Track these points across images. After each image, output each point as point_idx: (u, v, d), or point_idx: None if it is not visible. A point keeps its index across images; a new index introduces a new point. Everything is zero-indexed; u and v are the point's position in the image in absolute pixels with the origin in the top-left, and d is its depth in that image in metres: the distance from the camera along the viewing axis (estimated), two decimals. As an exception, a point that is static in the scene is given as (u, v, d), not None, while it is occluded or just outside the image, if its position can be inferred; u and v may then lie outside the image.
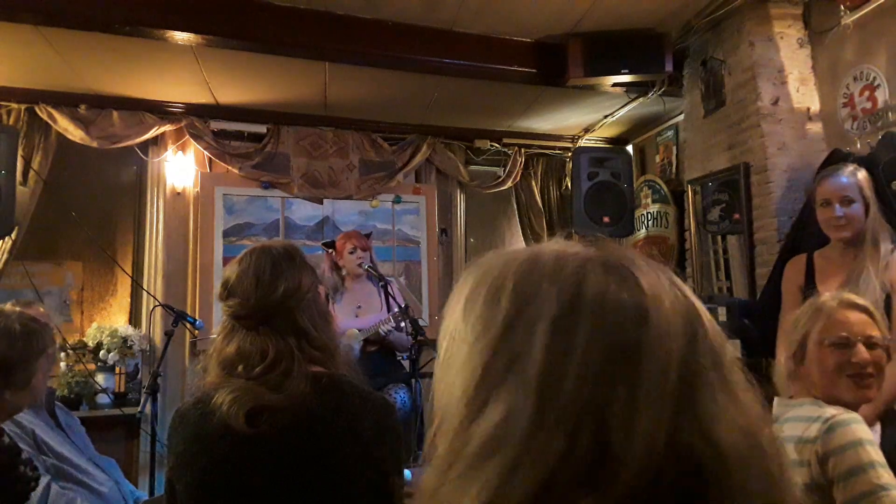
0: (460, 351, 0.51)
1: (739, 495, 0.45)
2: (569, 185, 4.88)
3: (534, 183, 5.00)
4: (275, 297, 1.21)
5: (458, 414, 0.49)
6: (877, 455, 1.24)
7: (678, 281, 0.52)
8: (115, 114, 4.05)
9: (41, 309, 2.10)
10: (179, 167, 4.29)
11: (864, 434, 1.28)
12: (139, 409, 2.93)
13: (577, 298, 0.48)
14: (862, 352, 1.40)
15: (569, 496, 0.44)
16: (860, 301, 1.48)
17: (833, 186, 2.20)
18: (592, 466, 0.44)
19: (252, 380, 1.16)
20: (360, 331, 3.16)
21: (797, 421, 1.36)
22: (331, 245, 3.41)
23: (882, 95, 2.78)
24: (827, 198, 2.21)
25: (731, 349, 0.52)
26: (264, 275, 1.23)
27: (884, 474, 1.21)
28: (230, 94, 4.09)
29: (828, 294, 1.53)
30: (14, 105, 3.87)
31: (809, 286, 2.24)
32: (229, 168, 4.34)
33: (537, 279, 0.50)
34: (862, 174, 2.22)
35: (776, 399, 1.49)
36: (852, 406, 1.38)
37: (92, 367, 3.84)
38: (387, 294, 3.14)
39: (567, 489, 0.44)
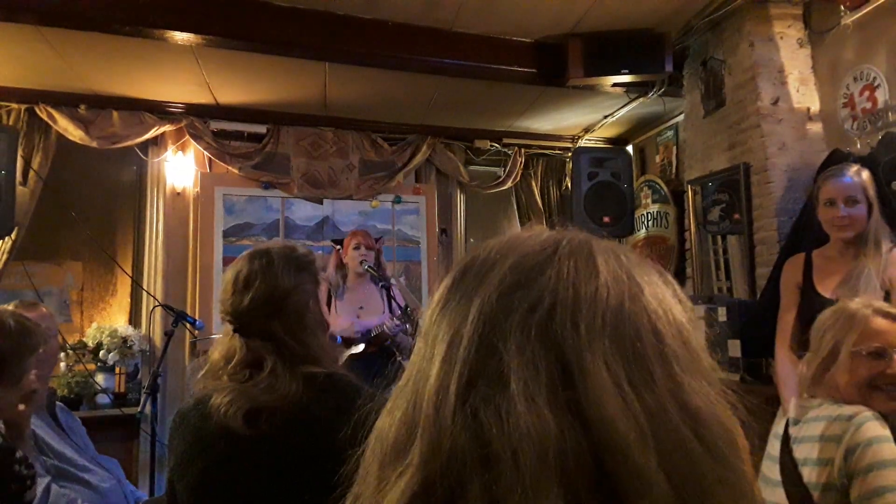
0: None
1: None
2: (569, 185, 4.88)
3: (534, 183, 5.00)
4: (243, 306, 1.22)
5: None
6: None
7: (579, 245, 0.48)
8: (115, 114, 4.05)
9: (44, 309, 2.09)
10: (179, 167, 4.29)
11: (887, 432, 1.27)
12: (139, 409, 2.93)
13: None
14: None
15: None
16: (891, 309, 1.45)
17: (838, 186, 2.20)
18: (405, 430, 0.44)
19: (243, 382, 1.17)
20: (362, 334, 3.17)
21: (817, 421, 1.34)
22: (340, 242, 3.43)
23: (882, 95, 2.78)
24: (831, 197, 2.20)
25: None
26: (238, 283, 1.24)
27: None
28: (230, 94, 4.08)
29: (857, 300, 1.49)
30: (14, 105, 3.87)
31: (808, 285, 2.24)
32: (229, 168, 4.34)
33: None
34: (866, 174, 2.22)
35: (794, 400, 1.47)
36: (883, 418, 1.35)
37: (92, 367, 3.84)
38: (388, 295, 3.15)
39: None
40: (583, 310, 0.43)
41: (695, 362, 0.44)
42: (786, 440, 1.41)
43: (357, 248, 3.23)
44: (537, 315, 0.42)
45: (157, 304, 3.89)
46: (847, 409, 1.31)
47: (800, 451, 1.35)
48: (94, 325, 3.99)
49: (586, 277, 0.45)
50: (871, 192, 2.19)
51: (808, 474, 1.30)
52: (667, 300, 0.46)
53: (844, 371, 1.40)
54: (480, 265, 0.48)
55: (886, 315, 1.42)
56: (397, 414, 0.46)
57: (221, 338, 1.26)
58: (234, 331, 1.23)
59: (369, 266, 3.23)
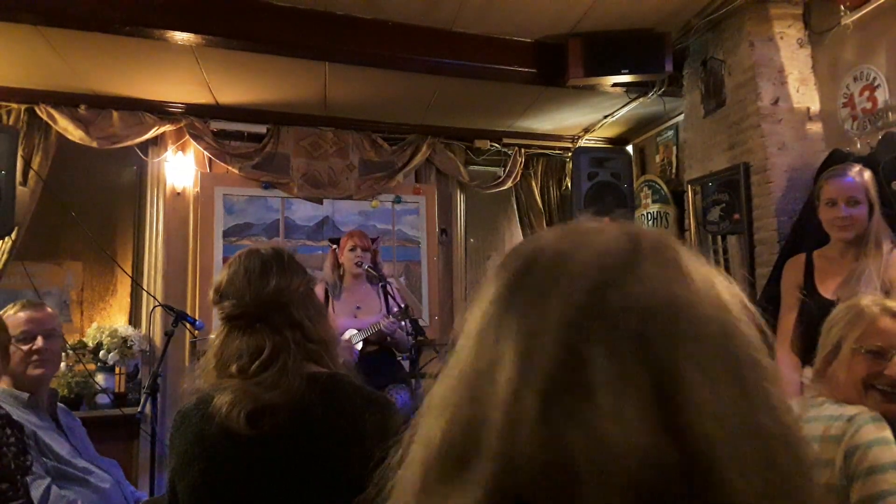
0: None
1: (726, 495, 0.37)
2: (569, 185, 4.88)
3: (534, 183, 5.00)
4: (267, 291, 1.22)
5: None
6: None
7: (641, 238, 0.44)
8: (114, 114, 4.05)
9: (49, 310, 2.09)
10: (179, 167, 4.29)
11: (888, 433, 1.26)
12: (139, 409, 2.93)
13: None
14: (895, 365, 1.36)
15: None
16: None
17: (839, 186, 2.20)
18: (462, 445, 0.40)
19: (247, 378, 1.16)
20: (358, 331, 3.16)
21: (818, 421, 1.34)
22: (336, 242, 3.43)
23: (882, 95, 2.78)
24: (833, 197, 2.20)
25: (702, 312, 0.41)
26: (254, 273, 1.24)
27: None
28: (230, 94, 4.08)
29: (870, 298, 1.48)
30: (14, 105, 3.87)
31: (809, 286, 2.24)
32: (229, 168, 4.34)
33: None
34: (868, 175, 2.22)
35: (796, 400, 1.47)
36: None
37: (92, 367, 3.84)
38: (386, 295, 3.14)
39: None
40: (680, 317, 0.39)
41: (773, 370, 0.42)
42: None
43: (353, 249, 3.23)
44: (631, 320, 0.38)
45: (157, 304, 3.89)
46: (849, 410, 1.30)
47: None
48: (94, 325, 3.99)
49: (678, 282, 0.41)
50: (873, 192, 2.18)
51: None
52: (743, 304, 0.43)
53: (844, 367, 1.39)
54: (550, 261, 0.43)
55: (894, 314, 1.41)
56: (446, 418, 0.42)
57: (223, 336, 1.24)
58: (250, 323, 1.21)
59: (368, 266, 3.23)
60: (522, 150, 4.97)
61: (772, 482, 0.37)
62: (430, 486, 0.41)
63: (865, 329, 1.39)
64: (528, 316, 0.41)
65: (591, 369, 0.37)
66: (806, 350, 2.04)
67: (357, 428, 1.17)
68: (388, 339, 3.19)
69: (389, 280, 3.30)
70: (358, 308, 3.29)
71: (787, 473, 0.38)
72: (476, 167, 4.97)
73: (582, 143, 5.00)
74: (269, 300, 1.22)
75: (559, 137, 5.04)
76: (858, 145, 2.84)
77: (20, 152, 3.61)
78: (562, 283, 0.41)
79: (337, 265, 3.34)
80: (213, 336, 1.28)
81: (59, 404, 2.09)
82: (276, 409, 1.13)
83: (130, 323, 4.16)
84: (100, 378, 3.82)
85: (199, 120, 4.25)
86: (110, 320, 4.16)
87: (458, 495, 0.38)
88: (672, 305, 0.40)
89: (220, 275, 1.29)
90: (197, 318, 3.63)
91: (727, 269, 3.52)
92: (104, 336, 3.83)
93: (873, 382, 1.37)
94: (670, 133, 4.55)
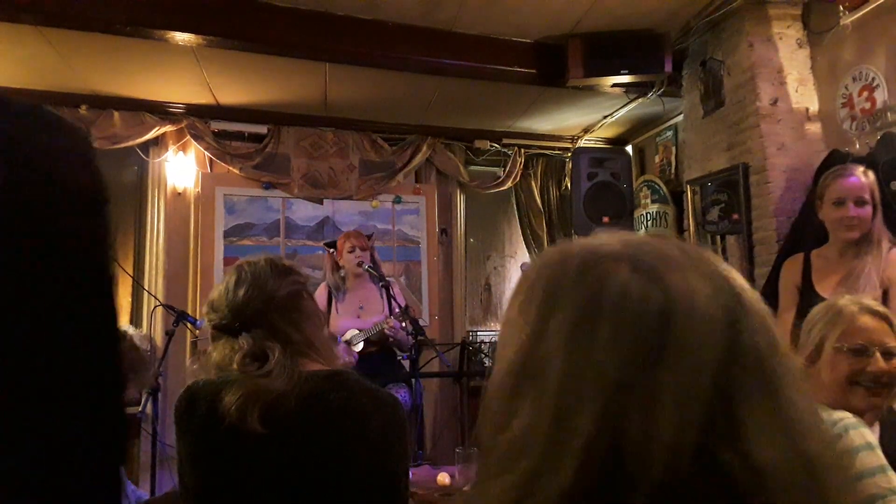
0: (501, 357, 0.50)
1: None
2: (568, 185, 4.89)
3: (533, 183, 5.01)
4: (240, 302, 1.24)
5: (492, 418, 0.49)
6: (884, 459, 1.24)
7: (721, 270, 0.48)
8: (115, 114, 4.06)
9: None
10: (180, 167, 4.30)
11: (872, 438, 1.26)
12: (140, 408, 2.94)
13: (596, 302, 0.46)
14: (878, 361, 1.37)
15: None
16: (880, 308, 1.44)
17: (848, 186, 2.19)
18: (607, 481, 0.42)
19: (248, 372, 1.17)
20: (360, 331, 3.17)
21: None
22: (332, 245, 3.42)
23: (881, 96, 2.79)
24: (841, 197, 2.19)
25: (784, 349, 0.47)
26: (230, 285, 1.28)
27: (894, 478, 1.20)
28: (230, 94, 4.09)
29: (847, 297, 1.49)
30: (15, 105, 3.88)
31: (807, 286, 2.24)
32: (230, 168, 4.35)
33: (562, 283, 0.48)
34: (872, 176, 2.22)
35: None
36: (861, 413, 1.35)
37: (93, 366, 3.84)
38: (388, 294, 3.15)
39: (577, 499, 0.42)
40: (773, 353, 0.46)
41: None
42: None
43: (352, 251, 3.23)
44: (749, 359, 0.45)
45: (157, 303, 3.89)
46: (835, 415, 1.31)
47: None
48: (95, 324, 3.99)
49: (767, 330, 0.47)
50: (876, 193, 2.19)
51: None
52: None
53: (827, 366, 1.40)
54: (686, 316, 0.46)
55: (874, 313, 1.42)
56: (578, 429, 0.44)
57: (214, 343, 1.26)
58: (237, 334, 1.23)
59: (368, 266, 3.24)
60: (522, 151, 4.97)
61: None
62: None
63: (846, 328, 1.40)
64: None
65: (734, 404, 0.43)
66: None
67: (363, 426, 1.17)
68: (390, 339, 3.20)
69: (389, 279, 3.31)
70: (361, 308, 3.29)
71: (830, 495, 0.44)
72: (476, 167, 4.97)
73: (581, 143, 5.01)
74: (246, 311, 1.24)
75: (559, 137, 5.05)
76: (857, 145, 2.84)
77: (21, 152, 3.62)
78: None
79: (336, 267, 3.34)
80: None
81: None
82: (285, 399, 1.13)
83: (131, 323, 4.17)
84: (100, 378, 3.82)
85: (199, 120, 4.26)
86: (111, 320, 4.16)
87: None
88: (769, 343, 0.47)
89: (217, 288, 1.33)
90: (197, 317, 3.64)
91: (726, 269, 3.52)
92: (105, 336, 3.83)
93: (857, 379, 1.38)
94: (669, 133, 4.55)
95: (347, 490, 1.15)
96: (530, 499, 0.43)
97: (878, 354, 1.38)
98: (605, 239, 0.51)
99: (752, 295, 0.48)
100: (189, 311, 3.96)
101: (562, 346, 0.45)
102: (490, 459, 0.48)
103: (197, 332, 3.74)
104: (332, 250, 3.40)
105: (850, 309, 1.42)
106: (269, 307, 1.25)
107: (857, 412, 1.34)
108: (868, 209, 2.16)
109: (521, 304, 0.50)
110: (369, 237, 3.44)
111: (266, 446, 1.13)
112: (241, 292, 1.25)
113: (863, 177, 2.20)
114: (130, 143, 4.09)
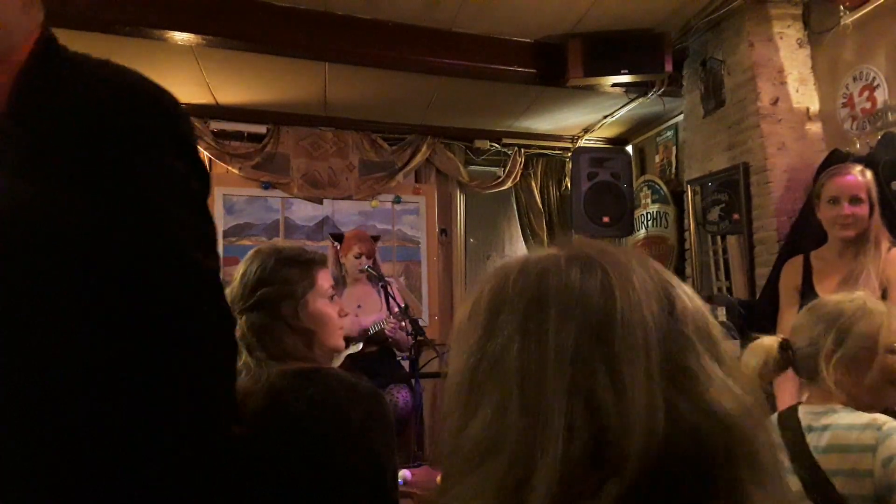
0: (453, 363, 0.52)
1: (749, 466, 0.44)
2: (568, 185, 4.88)
3: (533, 183, 5.01)
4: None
5: (453, 422, 0.50)
6: None
7: (649, 261, 0.52)
8: (115, 114, 4.05)
9: None
10: (179, 167, 4.29)
11: None
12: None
13: (541, 293, 0.49)
14: None
15: (576, 487, 0.42)
16: None
17: (843, 184, 2.18)
18: (595, 454, 0.43)
19: None
20: (360, 334, 3.17)
21: (842, 429, 1.31)
22: (339, 238, 3.42)
23: (881, 95, 2.78)
24: (836, 195, 2.18)
25: (713, 320, 0.51)
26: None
27: None
28: (230, 94, 4.09)
29: (861, 294, 1.45)
30: (14, 105, 3.87)
31: (807, 287, 2.24)
32: (229, 168, 4.34)
33: (505, 285, 0.51)
34: (869, 175, 2.21)
35: (801, 407, 1.44)
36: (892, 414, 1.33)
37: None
38: (387, 294, 3.15)
39: (574, 479, 0.42)
40: (704, 314, 0.52)
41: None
42: (803, 451, 1.36)
43: (358, 256, 3.24)
44: (688, 319, 0.49)
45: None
46: (880, 419, 1.28)
47: (827, 462, 1.32)
48: (95, 324, 3.99)
49: (695, 296, 0.53)
50: (874, 192, 2.18)
51: (842, 486, 1.27)
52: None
53: (879, 369, 1.35)
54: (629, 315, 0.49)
55: None
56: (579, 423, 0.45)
57: None
58: None
59: (369, 268, 3.24)
60: (522, 151, 4.97)
61: (768, 450, 0.47)
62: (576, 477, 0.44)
63: (890, 328, 1.37)
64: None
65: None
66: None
67: (343, 420, 1.16)
68: (389, 339, 3.20)
69: (389, 279, 3.30)
70: (359, 307, 3.29)
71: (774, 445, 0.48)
72: (476, 167, 4.97)
73: (582, 143, 5.01)
74: (240, 301, 1.24)
75: (559, 137, 5.05)
76: (858, 145, 2.84)
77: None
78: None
79: (338, 262, 3.34)
80: None
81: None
82: (251, 399, 1.12)
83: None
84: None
85: (199, 120, 4.25)
86: (110, 320, 4.15)
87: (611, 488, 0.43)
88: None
89: None
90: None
91: (726, 269, 3.53)
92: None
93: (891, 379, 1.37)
94: (670, 133, 4.55)
95: (330, 486, 1.13)
96: (524, 488, 0.43)
97: None
98: (542, 249, 0.55)
99: (674, 277, 0.52)
100: (188, 311, 3.95)
101: (515, 335, 0.48)
102: (455, 461, 0.48)
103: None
104: (337, 244, 3.40)
105: (881, 308, 1.40)
106: (243, 312, 1.24)
107: (889, 412, 1.33)
108: (864, 208, 2.15)
109: (469, 313, 0.52)
110: (376, 239, 3.44)
111: (245, 448, 1.12)
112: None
113: (859, 175, 2.19)
114: (130, 142, 4.08)
